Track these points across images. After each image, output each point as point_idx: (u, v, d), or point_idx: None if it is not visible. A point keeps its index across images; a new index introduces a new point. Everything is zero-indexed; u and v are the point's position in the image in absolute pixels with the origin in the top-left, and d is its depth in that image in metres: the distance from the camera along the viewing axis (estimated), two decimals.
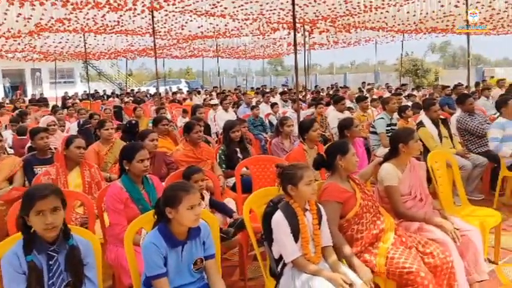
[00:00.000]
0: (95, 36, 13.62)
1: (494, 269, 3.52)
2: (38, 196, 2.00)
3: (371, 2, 10.14)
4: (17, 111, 9.89)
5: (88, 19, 10.58)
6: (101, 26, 11.62)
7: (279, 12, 10.69)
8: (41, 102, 19.64)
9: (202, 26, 12.23)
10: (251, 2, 9.50)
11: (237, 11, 10.19)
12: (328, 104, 9.26)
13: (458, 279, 2.74)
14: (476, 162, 5.10)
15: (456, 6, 10.53)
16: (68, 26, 11.23)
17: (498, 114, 5.23)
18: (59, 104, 16.90)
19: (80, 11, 9.57)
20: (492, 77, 22.19)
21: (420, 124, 5.38)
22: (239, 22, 12.06)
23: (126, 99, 14.17)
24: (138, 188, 2.97)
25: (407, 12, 11.36)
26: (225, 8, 9.92)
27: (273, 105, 9.42)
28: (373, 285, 2.49)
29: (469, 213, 3.63)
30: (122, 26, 11.66)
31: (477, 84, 13.75)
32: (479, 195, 5.23)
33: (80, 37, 13.26)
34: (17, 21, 9.66)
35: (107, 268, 3.14)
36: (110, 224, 2.98)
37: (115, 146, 4.71)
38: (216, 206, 3.61)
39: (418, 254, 2.67)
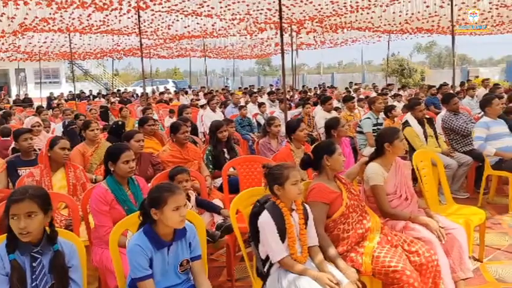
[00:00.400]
0: (81, 35, 13.48)
1: (479, 267, 3.56)
2: (12, 200, 1.97)
3: (357, 2, 10.21)
4: (0, 112, 9.73)
5: (73, 19, 10.48)
6: (86, 26, 11.51)
7: (266, 12, 10.70)
8: (25, 102, 19.39)
9: (189, 25, 12.19)
10: (238, 2, 9.49)
11: (224, 11, 10.18)
12: (315, 104, 9.30)
13: (444, 277, 2.77)
14: (461, 161, 5.16)
15: (441, 7, 10.66)
16: (53, 26, 11.10)
17: (482, 113, 5.30)
18: (44, 104, 16.70)
19: (65, 11, 9.46)
20: (477, 77, 22.53)
21: (406, 124, 5.42)
22: (226, 22, 12.04)
23: (112, 100, 14.05)
24: (124, 189, 2.95)
25: (393, 13, 11.46)
26: (212, 8, 9.89)
27: (260, 105, 9.42)
28: (359, 284, 2.50)
29: (454, 212, 3.67)
30: (108, 25, 11.57)
31: (462, 84, 13.93)
32: (464, 193, 5.30)
33: (65, 37, 13.11)
34: (0, 20, 9.51)
35: (93, 270, 3.11)
36: (95, 226, 2.95)
37: (100, 147, 4.65)
38: (203, 205, 3.60)
39: (403, 252, 2.69)
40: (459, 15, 11.57)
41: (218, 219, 3.49)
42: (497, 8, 11.13)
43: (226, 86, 26.48)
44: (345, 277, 2.47)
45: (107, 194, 2.87)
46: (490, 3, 10.67)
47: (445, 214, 3.45)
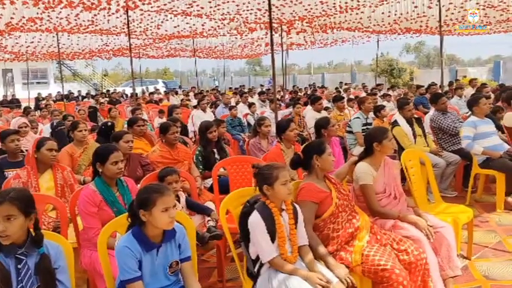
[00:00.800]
0: (69, 35, 13.35)
1: (467, 265, 3.60)
2: None
3: (346, 3, 10.25)
4: None
5: (61, 18, 10.36)
6: (74, 26, 11.39)
7: (256, 12, 10.70)
8: (13, 103, 19.18)
9: (178, 25, 12.13)
10: (228, 1, 9.47)
11: (214, 10, 10.15)
12: (306, 104, 9.32)
13: (432, 275, 2.79)
14: (449, 160, 5.22)
15: (429, 7, 10.75)
16: (40, 26, 10.96)
17: (470, 113, 5.36)
18: (32, 105, 16.52)
19: (53, 10, 9.36)
20: (465, 77, 22.73)
21: (395, 123, 5.47)
22: (216, 22, 12.01)
23: (101, 100, 13.94)
24: (112, 191, 2.92)
25: (382, 13, 11.53)
26: (202, 8, 9.86)
27: (251, 105, 9.41)
28: (352, 279, 2.50)
29: (443, 210, 3.70)
30: (97, 25, 11.47)
31: (450, 83, 14.05)
32: (452, 192, 5.36)
33: (53, 36, 12.97)
34: None
35: (81, 273, 3.09)
36: (84, 228, 2.92)
37: (89, 148, 4.60)
38: (193, 207, 3.59)
39: (392, 251, 2.71)
40: (447, 16, 11.68)
41: (210, 221, 3.48)
42: (484, 9, 11.24)
43: (216, 87, 26.46)
44: (335, 274, 2.48)
45: (95, 196, 2.85)
46: (477, 3, 10.77)
47: (434, 213, 3.48)
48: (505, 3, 10.59)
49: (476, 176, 5.19)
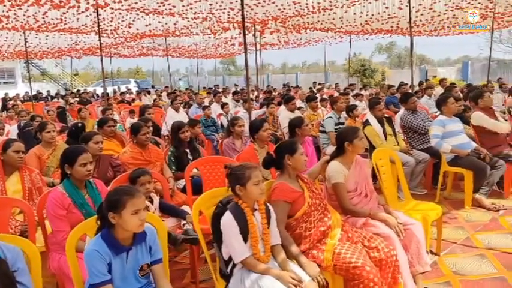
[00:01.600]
0: (37, 34, 12.98)
1: (437, 261, 3.68)
2: None
3: (319, 3, 10.33)
4: None
5: (28, 16, 10.06)
6: (42, 24, 11.08)
7: (229, 12, 10.66)
8: None
9: (150, 24, 11.97)
10: (200, 0, 9.40)
11: (186, 9, 10.06)
12: (280, 104, 9.36)
13: (402, 272, 2.84)
14: (419, 159, 5.32)
15: (400, 8, 10.95)
16: (7, 24, 10.63)
17: (439, 112, 5.48)
18: None
19: (20, 8, 9.08)
20: (435, 77, 23.29)
21: (366, 123, 5.54)
22: (189, 21, 11.91)
23: (71, 100, 13.63)
24: (81, 193, 2.86)
25: (354, 14, 11.67)
26: (174, 7, 9.76)
27: (223, 105, 9.37)
28: (322, 277, 2.52)
29: (412, 208, 3.77)
30: (66, 23, 11.19)
31: (420, 83, 14.35)
32: (422, 190, 5.47)
33: (21, 35, 12.58)
34: None
35: (50, 277, 3.01)
36: (52, 231, 2.85)
37: (58, 150, 4.50)
38: (168, 210, 3.54)
39: (363, 248, 2.74)
40: (417, 17, 11.94)
41: (187, 224, 3.44)
42: (452, 10, 11.54)
43: (191, 86, 26.24)
44: (307, 272, 2.50)
45: (63, 198, 2.78)
46: (445, 5, 11.04)
47: (404, 210, 3.55)
48: (472, 4, 10.90)
49: (445, 173, 5.31)
